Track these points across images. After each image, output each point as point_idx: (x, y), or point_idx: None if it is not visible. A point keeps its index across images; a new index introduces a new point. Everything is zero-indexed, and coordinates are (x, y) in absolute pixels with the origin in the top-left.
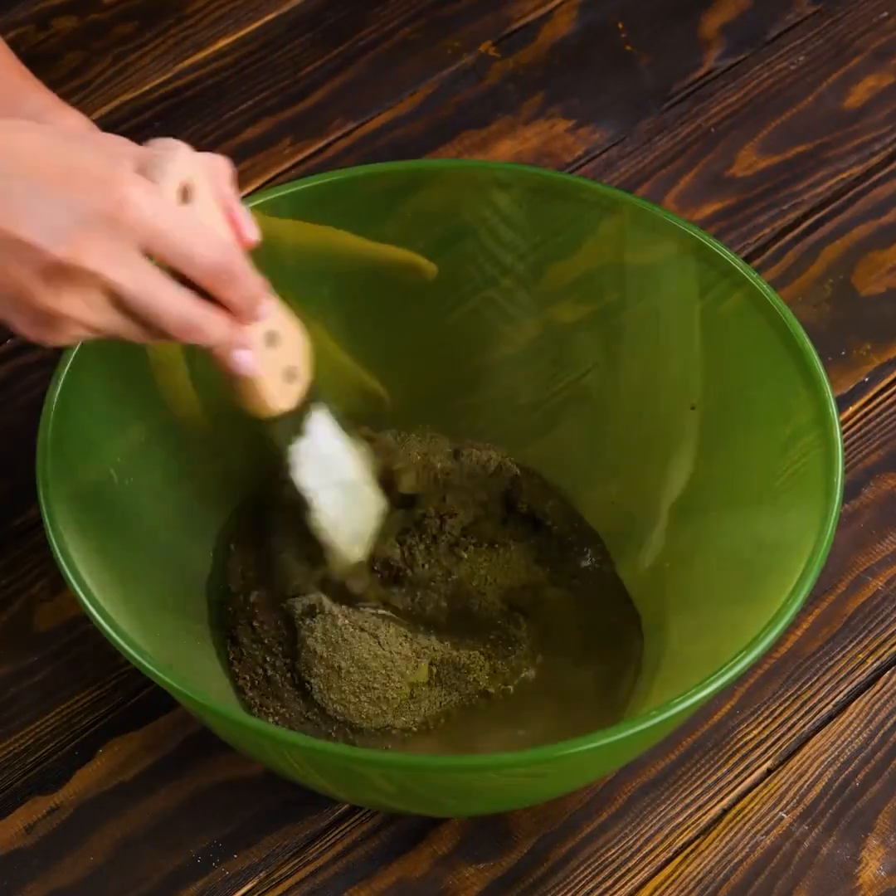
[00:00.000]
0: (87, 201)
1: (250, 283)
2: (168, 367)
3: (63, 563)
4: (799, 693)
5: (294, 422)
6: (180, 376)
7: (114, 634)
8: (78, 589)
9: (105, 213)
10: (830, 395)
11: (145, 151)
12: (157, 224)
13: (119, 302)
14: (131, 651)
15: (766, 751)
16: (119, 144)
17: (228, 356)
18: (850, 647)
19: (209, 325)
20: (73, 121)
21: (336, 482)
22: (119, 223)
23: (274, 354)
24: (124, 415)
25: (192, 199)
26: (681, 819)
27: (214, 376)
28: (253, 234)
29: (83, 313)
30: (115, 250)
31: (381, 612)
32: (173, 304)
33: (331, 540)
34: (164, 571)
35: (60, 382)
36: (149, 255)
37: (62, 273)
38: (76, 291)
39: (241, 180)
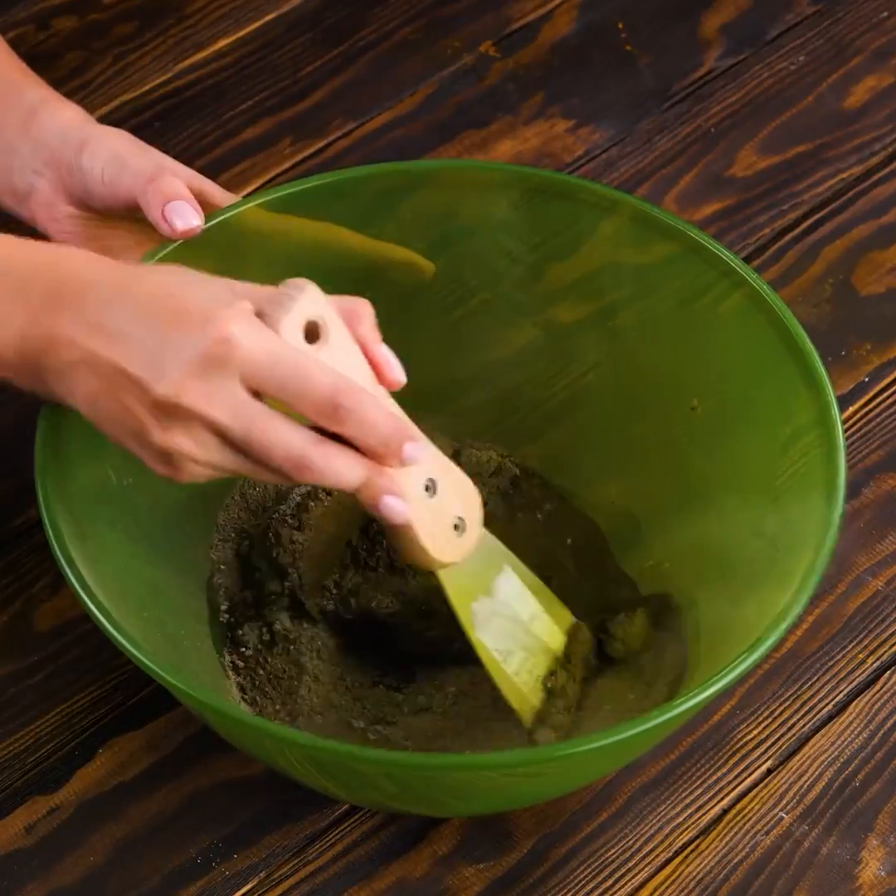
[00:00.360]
0: (191, 340)
1: (380, 422)
2: None
3: (63, 562)
4: (799, 693)
5: None
6: None
7: (115, 633)
8: (78, 587)
9: (208, 352)
10: (832, 395)
11: (270, 291)
12: (259, 360)
13: (226, 440)
14: (132, 649)
15: (766, 751)
16: (242, 286)
17: (377, 502)
18: (850, 647)
19: (330, 463)
20: (71, 113)
21: (520, 644)
22: (222, 361)
23: (435, 503)
24: None
25: (322, 340)
26: (681, 819)
27: None
28: (398, 376)
29: (193, 450)
30: (216, 388)
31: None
32: (281, 440)
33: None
34: (164, 571)
35: None
36: (256, 393)
37: (166, 411)
38: (182, 429)
39: (241, 180)
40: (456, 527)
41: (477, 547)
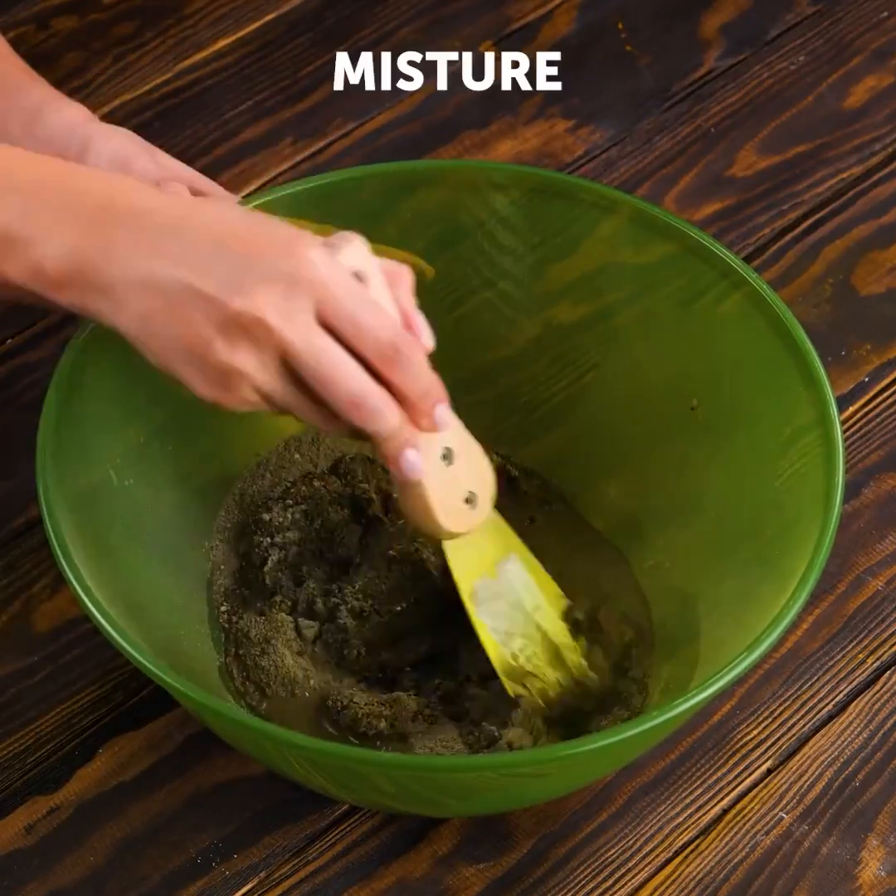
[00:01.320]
0: (268, 259)
1: (424, 375)
2: None
3: (63, 562)
4: (799, 693)
5: None
6: None
7: (114, 633)
8: (78, 588)
9: (285, 272)
10: (831, 395)
11: (320, 238)
12: (334, 289)
13: (291, 364)
14: (131, 650)
15: (766, 751)
16: (298, 230)
17: (398, 455)
18: (850, 647)
19: (381, 406)
20: (75, 112)
21: (521, 631)
22: (298, 283)
23: (450, 473)
24: (124, 415)
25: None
26: (681, 819)
27: None
28: (429, 341)
29: (255, 371)
30: (291, 308)
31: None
32: (346, 373)
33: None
34: (164, 571)
35: (60, 382)
36: (322, 321)
37: (238, 325)
38: (251, 347)
39: (241, 180)
40: (468, 500)
41: (486, 527)
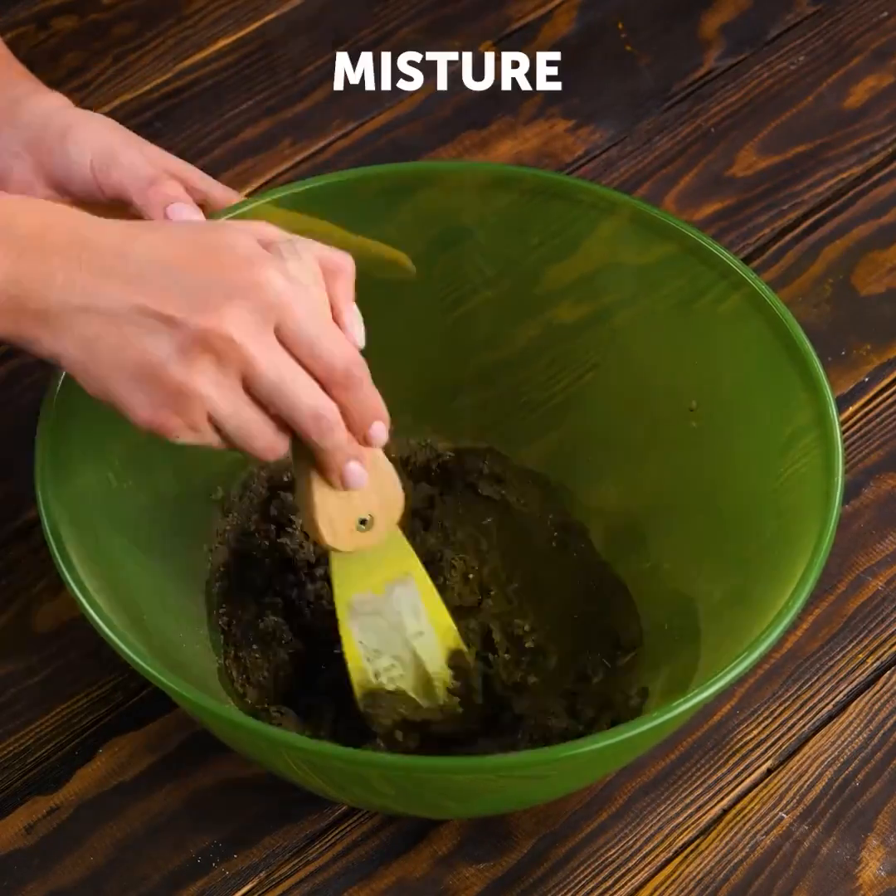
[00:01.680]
0: (227, 279)
1: (369, 397)
2: None
3: (62, 565)
4: (799, 693)
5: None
6: None
7: (112, 636)
8: (76, 590)
9: (245, 290)
10: (830, 396)
11: (272, 235)
12: (295, 310)
13: (251, 383)
14: (129, 652)
15: (766, 751)
16: (247, 227)
17: (343, 467)
18: (850, 647)
19: (337, 420)
20: (54, 98)
21: (392, 652)
22: (259, 302)
23: (344, 495)
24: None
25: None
26: (681, 819)
27: None
28: (360, 339)
29: (212, 390)
30: (255, 324)
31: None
32: (306, 390)
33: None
34: (163, 573)
35: (60, 383)
36: (280, 339)
37: (202, 343)
38: (211, 365)
39: (241, 180)
40: (363, 522)
41: (386, 545)
